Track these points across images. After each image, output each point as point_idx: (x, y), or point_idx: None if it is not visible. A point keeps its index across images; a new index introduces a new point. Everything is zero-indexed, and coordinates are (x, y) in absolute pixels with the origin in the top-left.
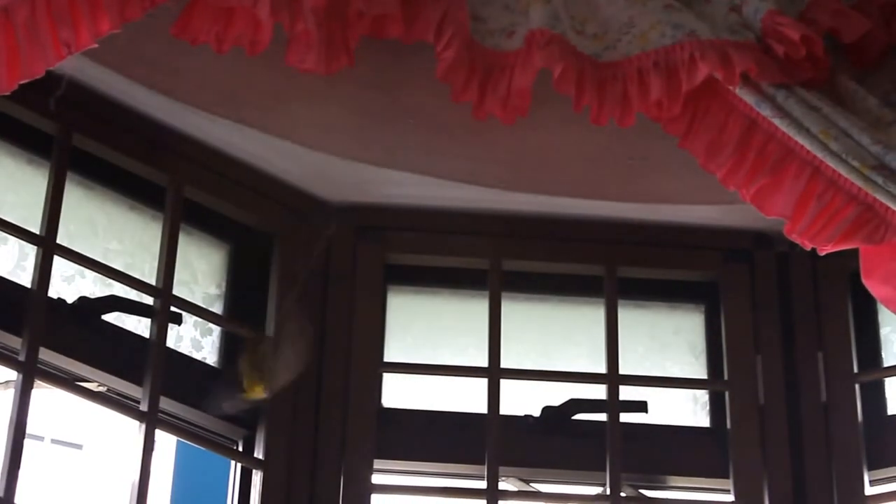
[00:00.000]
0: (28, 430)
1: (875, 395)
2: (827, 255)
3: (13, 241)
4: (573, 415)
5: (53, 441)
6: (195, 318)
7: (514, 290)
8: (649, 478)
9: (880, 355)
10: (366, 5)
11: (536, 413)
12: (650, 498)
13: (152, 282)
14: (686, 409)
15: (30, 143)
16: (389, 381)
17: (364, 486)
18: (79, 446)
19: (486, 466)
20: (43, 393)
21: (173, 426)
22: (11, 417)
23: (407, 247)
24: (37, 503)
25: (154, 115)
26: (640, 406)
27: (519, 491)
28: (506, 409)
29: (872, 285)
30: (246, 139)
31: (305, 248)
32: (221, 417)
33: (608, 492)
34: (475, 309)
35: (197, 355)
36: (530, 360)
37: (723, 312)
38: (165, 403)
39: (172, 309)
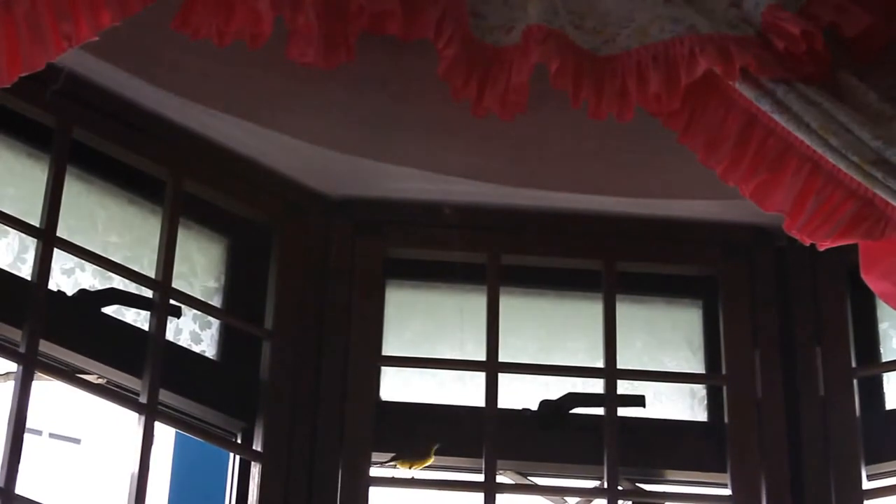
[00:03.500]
0: (26, 425)
1: (873, 390)
2: (826, 250)
3: (13, 234)
4: (571, 409)
5: (51, 435)
6: (194, 311)
7: (513, 284)
8: (647, 472)
9: (878, 350)
10: (366, 1)
11: (534, 407)
12: (647, 491)
13: (151, 275)
14: (684, 404)
15: (30, 136)
16: (388, 374)
17: (362, 478)
18: (77, 441)
19: (483, 460)
20: (41, 387)
21: (172, 418)
22: (12, 408)
23: (406, 241)
24: (35, 498)
25: (154, 109)
26: (638, 400)
27: (516, 484)
28: (504, 402)
29: (871, 281)
30: (246, 133)
31: (304, 242)
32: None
33: (605, 485)
34: (474, 303)
35: (196, 348)
36: (528, 354)
37: (721, 307)
38: (165, 396)
39: (171, 302)
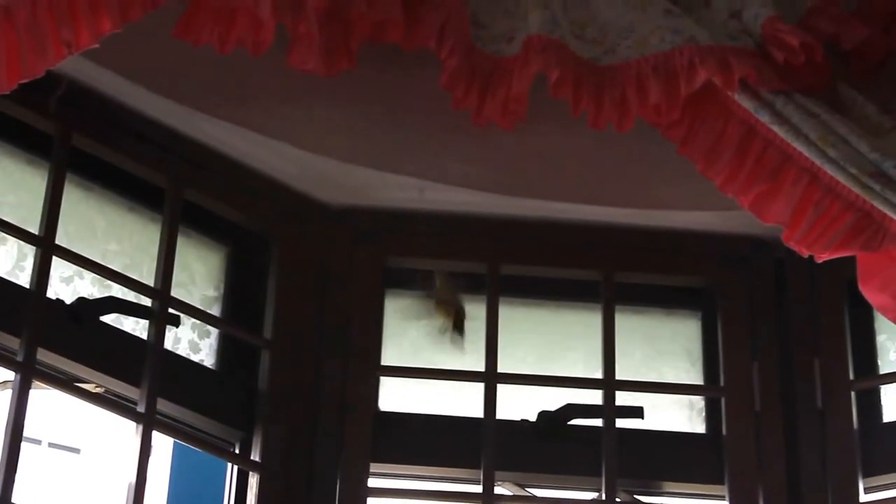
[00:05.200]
0: (25, 434)
1: (870, 403)
2: (824, 261)
3: (12, 242)
4: (569, 420)
5: (51, 445)
6: (193, 320)
7: (512, 294)
8: (645, 483)
9: (876, 362)
10: (367, 9)
11: (533, 418)
12: (645, 503)
13: (151, 283)
14: (682, 415)
15: (29, 143)
16: (387, 384)
17: (360, 489)
18: (76, 450)
19: (482, 471)
20: (40, 396)
21: (170, 428)
22: (9, 417)
23: (405, 250)
24: None
25: (154, 117)
26: (637, 412)
27: (514, 496)
28: (502, 413)
29: (869, 293)
30: (245, 141)
31: (304, 251)
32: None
33: (604, 496)
34: (473, 313)
35: (195, 357)
36: (527, 364)
37: (719, 319)
38: (163, 405)
39: (170, 311)
